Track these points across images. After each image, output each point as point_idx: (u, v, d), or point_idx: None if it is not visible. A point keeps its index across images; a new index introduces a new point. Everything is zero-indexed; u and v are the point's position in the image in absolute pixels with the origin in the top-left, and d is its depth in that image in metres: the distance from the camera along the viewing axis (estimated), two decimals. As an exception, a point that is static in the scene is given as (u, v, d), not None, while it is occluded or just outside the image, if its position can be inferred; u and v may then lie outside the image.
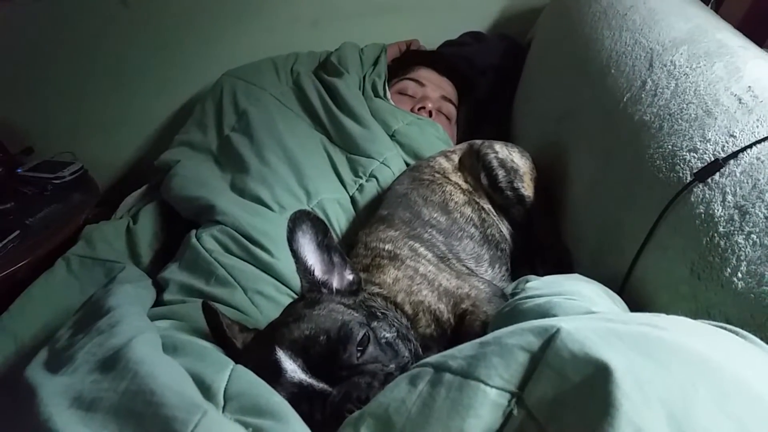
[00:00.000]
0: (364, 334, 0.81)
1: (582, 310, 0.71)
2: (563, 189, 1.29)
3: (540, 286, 0.85)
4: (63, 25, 2.07)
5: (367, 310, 0.91)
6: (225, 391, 0.73)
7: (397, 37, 2.19)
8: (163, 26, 2.14)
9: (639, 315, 0.70)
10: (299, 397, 0.72)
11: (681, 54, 1.09)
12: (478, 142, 1.42)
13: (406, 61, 2.05)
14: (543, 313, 0.73)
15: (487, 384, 0.54)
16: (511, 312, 0.81)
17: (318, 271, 0.94)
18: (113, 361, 0.68)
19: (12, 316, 1.42)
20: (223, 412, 0.64)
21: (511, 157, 1.35)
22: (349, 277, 0.97)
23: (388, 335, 0.86)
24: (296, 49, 2.16)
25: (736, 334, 0.60)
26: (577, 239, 1.20)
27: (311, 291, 0.91)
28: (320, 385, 0.75)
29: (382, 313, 0.93)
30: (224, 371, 0.72)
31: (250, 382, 0.75)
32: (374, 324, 0.87)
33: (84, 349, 0.74)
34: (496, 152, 1.35)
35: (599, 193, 1.12)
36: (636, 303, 0.89)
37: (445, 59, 2.03)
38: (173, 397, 0.60)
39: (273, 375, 0.74)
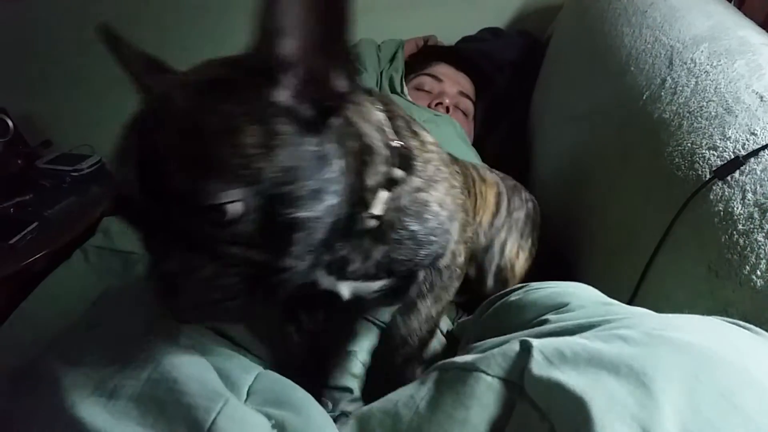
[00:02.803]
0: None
1: (598, 297, 0.72)
2: (579, 187, 1.28)
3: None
4: (82, 17, 2.09)
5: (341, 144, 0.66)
6: (249, 388, 0.74)
7: (414, 33, 2.19)
8: (179, 21, 2.15)
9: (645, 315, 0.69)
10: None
11: (702, 51, 1.08)
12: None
13: (424, 56, 2.05)
14: (556, 297, 0.74)
15: (487, 373, 0.55)
16: (519, 302, 0.82)
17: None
18: (135, 350, 0.68)
19: (30, 306, 1.44)
20: (244, 404, 0.65)
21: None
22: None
23: (313, 213, 0.60)
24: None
25: (749, 330, 0.60)
26: (592, 237, 1.19)
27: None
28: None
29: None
30: (251, 372, 0.73)
31: (274, 380, 0.75)
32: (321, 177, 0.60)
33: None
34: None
35: (616, 191, 1.12)
36: (652, 301, 0.88)
37: (463, 55, 2.02)
38: (195, 386, 0.60)
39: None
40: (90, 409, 0.59)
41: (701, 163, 0.90)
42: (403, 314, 0.89)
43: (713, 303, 0.78)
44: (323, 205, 0.61)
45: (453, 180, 0.90)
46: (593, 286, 0.82)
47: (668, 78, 1.10)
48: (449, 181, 0.88)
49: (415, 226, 0.81)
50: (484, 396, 0.54)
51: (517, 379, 0.55)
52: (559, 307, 0.75)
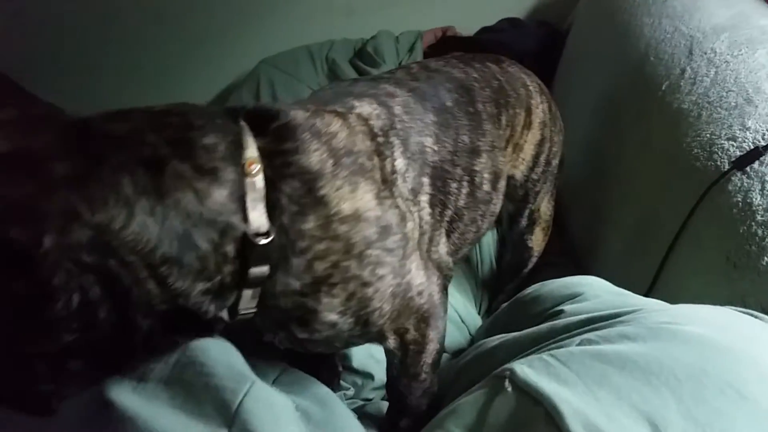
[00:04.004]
0: None
1: (611, 288, 0.72)
2: (598, 177, 1.28)
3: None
4: (105, 13, 2.12)
5: None
6: (274, 380, 0.75)
7: (433, 24, 2.18)
8: (202, 14, 2.17)
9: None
10: None
11: (722, 41, 1.08)
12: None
13: (443, 47, 2.04)
14: (570, 287, 0.75)
15: None
16: (534, 294, 0.83)
17: None
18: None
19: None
20: None
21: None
22: None
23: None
24: (331, 37, 2.17)
25: (762, 320, 0.60)
26: (611, 226, 1.19)
27: None
28: None
29: None
30: (276, 367, 0.75)
31: (300, 376, 0.77)
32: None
33: None
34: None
35: (634, 181, 1.12)
36: (670, 291, 0.89)
37: (482, 45, 2.02)
38: (223, 369, 0.61)
39: None
40: (120, 392, 0.60)
41: (720, 154, 0.90)
42: (392, 393, 0.88)
43: (731, 293, 0.78)
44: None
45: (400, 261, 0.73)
46: (612, 275, 0.83)
47: (688, 68, 1.09)
48: (364, 277, 0.70)
49: (302, 335, 0.71)
50: None
51: None
52: (574, 297, 0.76)
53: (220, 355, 0.63)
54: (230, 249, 0.61)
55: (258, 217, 0.61)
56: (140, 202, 0.55)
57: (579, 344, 0.61)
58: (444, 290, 0.85)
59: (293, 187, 0.64)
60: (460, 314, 1.19)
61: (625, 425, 0.48)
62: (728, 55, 1.03)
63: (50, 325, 0.56)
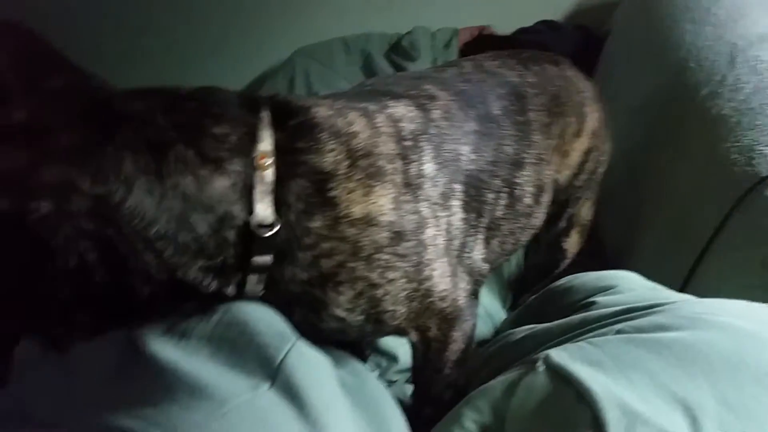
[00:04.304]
0: None
1: (645, 282, 0.73)
2: (633, 179, 1.28)
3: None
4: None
5: None
6: None
7: (469, 23, 2.19)
8: (239, 3, 2.19)
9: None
10: None
11: (766, 50, 1.07)
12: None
13: (478, 45, 2.05)
14: (604, 280, 0.75)
15: None
16: (566, 285, 0.84)
17: None
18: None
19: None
20: None
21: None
22: None
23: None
24: (368, 30, 2.18)
25: None
26: (644, 228, 1.20)
27: None
28: None
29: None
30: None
31: (331, 349, 0.77)
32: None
33: None
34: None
35: (669, 184, 1.12)
36: (702, 293, 0.89)
37: (518, 46, 2.02)
38: (265, 328, 0.62)
39: None
40: (161, 346, 0.62)
41: (759, 160, 0.90)
42: (417, 381, 0.88)
43: (765, 297, 0.78)
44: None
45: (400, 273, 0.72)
46: (644, 275, 0.83)
47: (729, 75, 1.09)
48: (373, 279, 0.70)
49: (314, 320, 0.72)
50: None
51: None
52: (608, 289, 0.77)
53: (262, 315, 0.65)
54: (231, 235, 0.63)
55: (263, 210, 0.63)
56: (139, 180, 0.58)
57: (616, 333, 0.62)
58: (472, 295, 0.84)
59: (301, 185, 0.66)
60: (485, 307, 1.20)
61: (659, 408, 0.49)
62: (773, 63, 1.03)
63: (51, 280, 0.60)
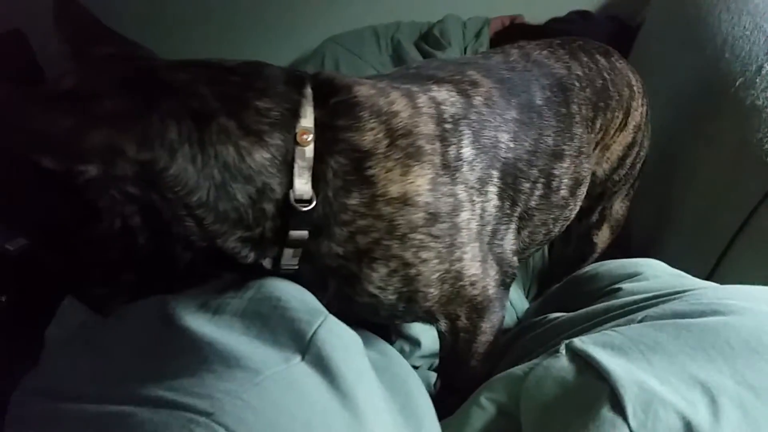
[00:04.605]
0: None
1: (671, 270, 0.73)
2: (662, 168, 1.26)
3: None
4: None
5: None
6: None
7: (501, 12, 2.17)
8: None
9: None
10: None
11: (804, 39, 1.05)
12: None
13: (510, 34, 2.04)
14: (629, 267, 0.75)
15: None
16: (591, 272, 0.83)
17: None
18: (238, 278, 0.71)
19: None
20: None
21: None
22: None
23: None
24: (399, 18, 2.18)
25: None
26: (670, 220, 1.18)
27: None
28: None
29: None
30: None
31: (360, 330, 0.79)
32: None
33: None
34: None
35: (698, 177, 1.11)
36: (727, 283, 0.88)
37: (550, 35, 2.00)
38: (297, 303, 0.63)
39: None
40: (196, 321, 0.63)
41: (792, 150, 0.88)
42: (443, 371, 0.89)
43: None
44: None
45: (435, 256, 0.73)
46: (671, 265, 0.82)
47: (766, 65, 1.07)
48: (407, 258, 0.72)
49: (347, 291, 0.73)
50: None
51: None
52: (633, 276, 0.76)
53: (294, 292, 0.66)
54: (269, 207, 0.65)
55: (302, 185, 0.65)
56: (183, 148, 0.60)
57: (639, 322, 0.62)
58: (502, 286, 0.84)
59: (339, 162, 0.67)
60: (509, 298, 1.20)
61: (678, 388, 0.49)
62: (811, 53, 1.01)
63: (97, 241, 0.63)
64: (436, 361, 1.01)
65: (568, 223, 0.99)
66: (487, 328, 0.82)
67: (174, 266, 0.67)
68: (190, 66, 0.65)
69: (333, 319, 0.62)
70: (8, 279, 1.94)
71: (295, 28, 2.21)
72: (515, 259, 0.86)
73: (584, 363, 0.56)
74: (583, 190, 0.95)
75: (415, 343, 1.03)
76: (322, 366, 0.57)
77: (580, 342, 0.59)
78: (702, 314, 0.56)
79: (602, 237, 1.16)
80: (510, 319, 1.17)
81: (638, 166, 1.10)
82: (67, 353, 0.77)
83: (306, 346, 0.58)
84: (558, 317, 0.80)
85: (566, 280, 0.94)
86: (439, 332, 0.82)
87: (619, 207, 1.14)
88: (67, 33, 0.69)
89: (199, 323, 0.63)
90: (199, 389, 0.54)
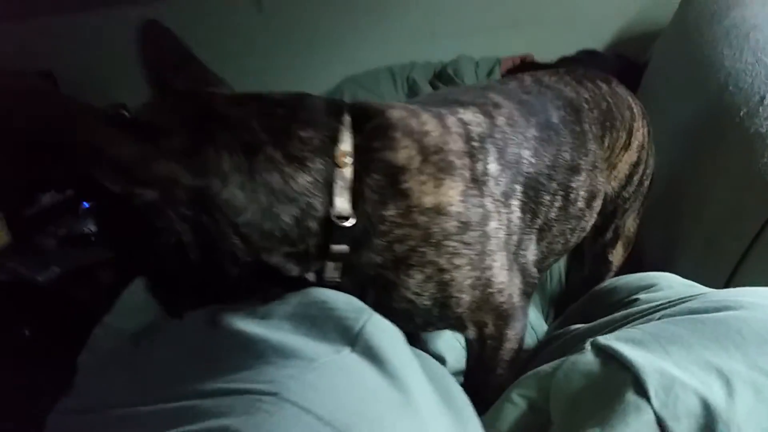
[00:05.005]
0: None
1: (683, 281, 0.78)
2: (672, 196, 1.32)
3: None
4: (198, 25, 2.26)
5: None
6: None
7: (512, 51, 2.26)
8: (289, 31, 2.29)
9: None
10: None
11: (803, 71, 1.12)
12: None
13: (520, 72, 2.11)
14: (645, 279, 0.80)
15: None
16: (609, 286, 0.89)
17: None
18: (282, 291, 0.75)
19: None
20: None
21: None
22: None
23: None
24: (413, 59, 2.28)
25: None
26: (680, 242, 1.24)
27: None
28: None
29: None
30: None
31: None
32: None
33: None
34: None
35: (707, 201, 1.17)
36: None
37: (560, 74, 2.08)
38: (343, 304, 0.67)
39: None
40: (245, 324, 0.67)
41: (795, 173, 0.94)
42: (469, 384, 0.91)
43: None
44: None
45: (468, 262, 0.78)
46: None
47: (767, 95, 1.14)
48: (442, 264, 0.77)
49: (385, 299, 0.78)
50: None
51: None
52: (649, 287, 0.82)
53: (338, 295, 0.70)
54: (312, 225, 0.72)
55: (342, 203, 0.72)
56: (234, 176, 0.67)
57: (659, 319, 0.67)
58: (525, 295, 0.89)
59: (376, 179, 0.73)
60: (529, 320, 1.24)
61: (695, 373, 0.55)
62: (809, 84, 1.08)
63: (157, 255, 0.71)
64: (461, 379, 1.06)
65: (584, 234, 1.05)
66: (512, 335, 0.87)
67: (224, 280, 0.73)
68: (244, 100, 0.73)
69: (378, 316, 0.66)
70: (34, 311, 2.00)
71: (314, 68, 2.29)
72: (535, 270, 0.92)
73: (608, 356, 0.61)
74: (598, 203, 1.02)
75: (441, 360, 1.07)
76: (371, 355, 0.61)
77: (604, 339, 0.64)
78: (715, 310, 0.61)
79: (617, 255, 1.21)
80: (531, 340, 1.22)
81: (646, 183, 1.17)
82: (105, 374, 0.83)
83: (354, 339, 0.62)
84: (579, 327, 0.86)
85: (586, 296, 1.00)
86: (467, 341, 0.88)
87: (631, 224, 1.20)
88: (149, 58, 0.78)
89: (250, 326, 0.67)
90: (260, 377, 0.58)
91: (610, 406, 0.56)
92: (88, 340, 1.44)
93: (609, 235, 1.20)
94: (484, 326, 0.85)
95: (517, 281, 0.86)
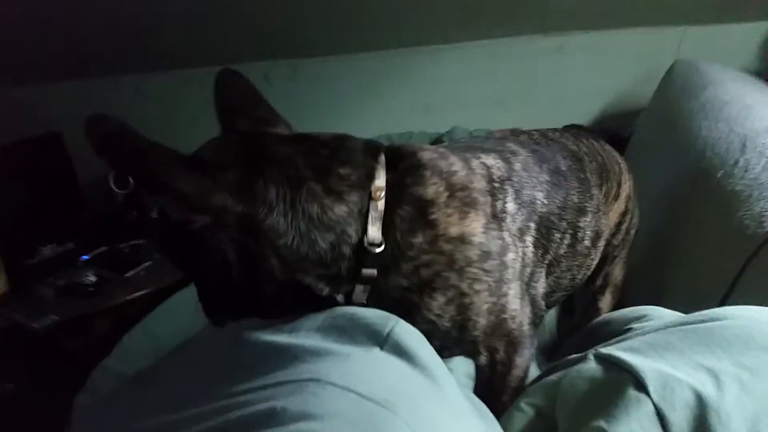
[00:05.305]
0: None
1: (672, 312, 0.85)
2: (658, 249, 1.42)
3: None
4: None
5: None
6: None
7: (502, 125, 2.37)
8: (294, 104, 2.39)
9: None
10: None
11: (772, 138, 1.24)
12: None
13: (511, 144, 2.23)
14: (638, 311, 0.87)
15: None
16: (604, 320, 0.96)
17: None
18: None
19: (152, 321, 1.62)
20: None
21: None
22: None
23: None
24: (410, 129, 2.40)
25: None
26: (666, 290, 1.33)
27: None
28: None
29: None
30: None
31: None
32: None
33: None
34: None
35: (690, 250, 1.27)
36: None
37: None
38: (371, 314, 0.72)
39: None
40: (275, 336, 0.71)
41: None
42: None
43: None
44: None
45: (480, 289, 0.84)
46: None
47: (741, 159, 1.25)
48: (463, 288, 0.83)
49: (407, 321, 0.79)
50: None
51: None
52: (641, 317, 0.89)
53: (366, 308, 0.76)
54: (346, 250, 0.80)
55: (374, 232, 0.79)
56: (278, 206, 0.76)
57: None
58: (533, 324, 0.96)
59: (406, 210, 0.82)
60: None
61: (688, 372, 0.62)
62: (778, 148, 1.20)
63: (204, 271, 0.83)
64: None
65: (589, 273, 1.13)
66: (520, 362, 0.92)
67: (262, 296, 0.81)
68: (293, 140, 0.83)
69: (404, 323, 0.71)
70: (24, 361, 2.00)
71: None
72: (543, 302, 0.99)
73: (609, 363, 0.68)
74: (602, 242, 1.11)
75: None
76: (401, 352, 0.65)
77: (605, 349, 0.71)
78: (702, 321, 0.69)
79: (606, 302, 1.29)
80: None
81: (632, 232, 1.27)
82: (109, 407, 0.87)
83: (384, 340, 0.67)
84: (576, 356, 0.92)
85: (581, 330, 1.06)
86: (478, 368, 0.93)
87: (618, 272, 1.28)
88: (220, 102, 0.90)
89: (279, 338, 0.71)
90: (298, 371, 0.61)
91: (612, 402, 0.62)
92: (87, 382, 1.46)
93: (599, 281, 1.29)
94: (496, 352, 0.91)
95: (527, 311, 0.93)
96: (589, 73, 2.40)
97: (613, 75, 2.40)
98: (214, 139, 0.85)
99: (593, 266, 1.13)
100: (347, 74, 2.45)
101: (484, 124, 2.39)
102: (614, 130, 2.28)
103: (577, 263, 1.06)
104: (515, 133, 1.15)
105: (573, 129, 2.31)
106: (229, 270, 0.79)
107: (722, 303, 1.05)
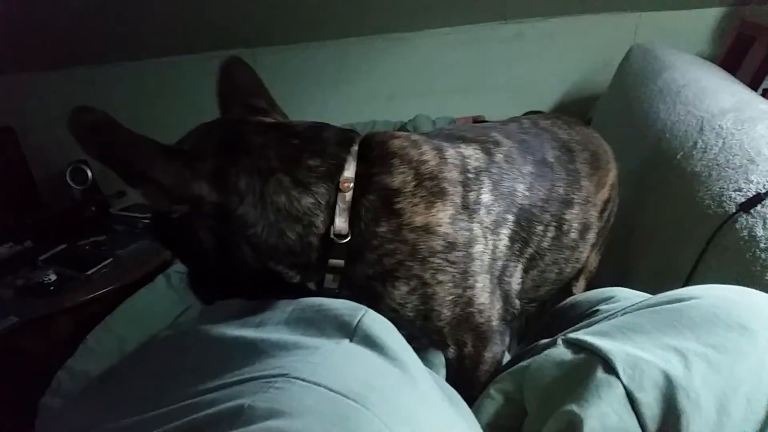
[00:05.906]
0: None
1: (637, 293, 0.87)
2: (625, 229, 1.43)
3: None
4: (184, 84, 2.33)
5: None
6: None
7: (465, 113, 2.41)
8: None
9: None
10: None
11: (728, 119, 1.27)
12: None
13: (474, 131, 2.25)
14: (605, 293, 0.88)
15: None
16: (572, 302, 0.97)
17: None
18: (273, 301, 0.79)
19: (116, 320, 1.60)
20: None
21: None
22: None
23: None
24: (373, 118, 2.40)
25: None
26: (633, 266, 1.35)
27: None
28: None
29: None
30: None
31: None
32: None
33: None
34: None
35: (655, 230, 1.29)
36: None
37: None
38: (338, 304, 0.71)
39: None
40: (241, 331, 0.69)
41: (728, 202, 1.06)
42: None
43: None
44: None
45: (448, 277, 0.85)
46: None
47: (699, 140, 1.27)
48: (426, 278, 0.84)
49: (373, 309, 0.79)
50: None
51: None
52: (608, 299, 0.90)
53: (334, 299, 0.74)
54: (314, 241, 0.81)
55: (341, 223, 0.81)
56: (248, 196, 0.78)
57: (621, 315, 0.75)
58: (503, 320, 0.95)
59: (371, 200, 0.82)
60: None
61: (656, 353, 0.62)
62: (734, 129, 1.22)
63: (189, 255, 0.89)
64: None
65: (579, 266, 1.13)
66: (489, 358, 0.92)
67: (239, 281, 0.84)
68: (269, 129, 0.84)
69: (373, 312, 0.70)
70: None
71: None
72: (517, 301, 0.99)
73: (578, 347, 0.69)
74: (591, 235, 1.10)
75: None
76: (370, 342, 0.64)
77: (573, 334, 0.72)
78: (668, 302, 0.69)
79: (580, 288, 1.28)
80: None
81: (611, 220, 1.25)
82: (75, 410, 0.85)
83: (353, 332, 0.66)
84: (546, 341, 0.92)
85: (548, 314, 1.07)
86: (447, 360, 0.92)
87: (593, 259, 1.28)
88: (221, 90, 0.93)
89: (247, 332, 0.69)
90: (266, 366, 0.59)
91: (583, 386, 0.62)
92: (51, 383, 1.43)
93: None
94: (464, 345, 0.90)
95: (498, 306, 0.92)
96: (548, 59, 2.42)
97: (572, 61, 2.43)
98: (200, 126, 0.85)
99: (583, 259, 1.13)
100: (309, 63, 2.43)
101: (447, 112, 2.41)
102: (574, 115, 2.30)
103: (563, 256, 1.05)
104: (503, 122, 1.14)
105: (533, 115, 2.36)
106: (207, 257, 0.82)
107: (686, 283, 1.07)
